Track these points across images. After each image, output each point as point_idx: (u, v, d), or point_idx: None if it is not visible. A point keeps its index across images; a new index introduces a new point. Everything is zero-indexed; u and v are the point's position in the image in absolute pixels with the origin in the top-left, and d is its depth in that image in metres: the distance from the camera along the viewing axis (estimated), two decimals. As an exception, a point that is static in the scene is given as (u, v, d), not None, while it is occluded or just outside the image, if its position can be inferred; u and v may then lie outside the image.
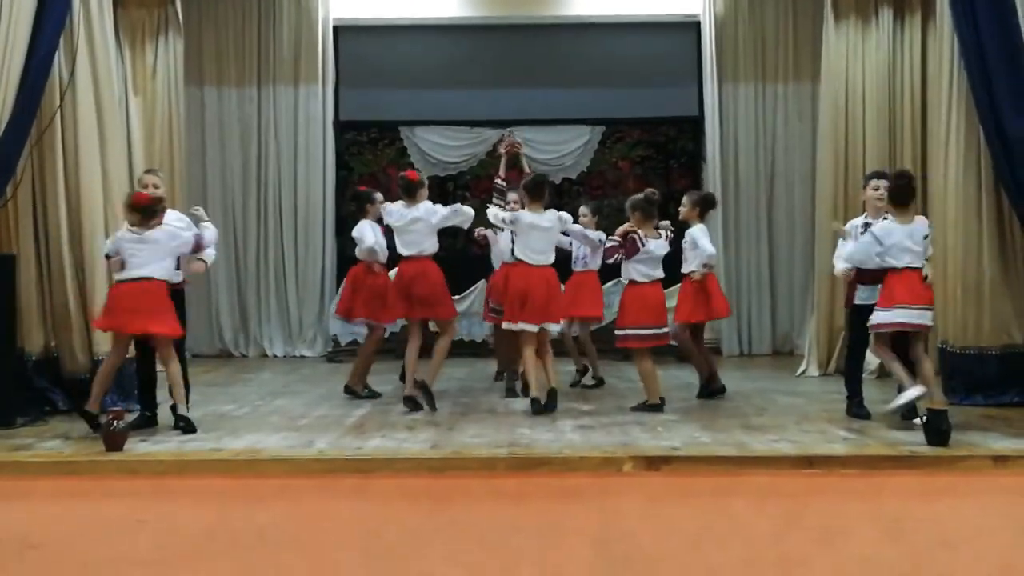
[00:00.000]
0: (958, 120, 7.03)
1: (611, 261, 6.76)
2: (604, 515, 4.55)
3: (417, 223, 6.82)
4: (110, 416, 5.58)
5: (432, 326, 7.40)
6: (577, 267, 7.92)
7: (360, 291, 7.48)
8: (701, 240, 7.22)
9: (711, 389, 7.40)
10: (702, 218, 7.42)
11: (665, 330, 6.80)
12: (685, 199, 7.49)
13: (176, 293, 6.23)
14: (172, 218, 6.32)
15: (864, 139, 8.82)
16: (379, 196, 7.70)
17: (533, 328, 6.64)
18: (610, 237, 6.81)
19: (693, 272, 7.26)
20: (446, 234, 7.38)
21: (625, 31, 10.90)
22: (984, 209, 6.95)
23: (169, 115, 9.28)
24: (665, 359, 8.95)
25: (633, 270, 6.70)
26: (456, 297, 9.74)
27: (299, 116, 10.77)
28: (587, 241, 7.54)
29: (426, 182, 7.09)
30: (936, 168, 7.42)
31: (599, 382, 8.01)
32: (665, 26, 10.90)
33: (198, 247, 6.24)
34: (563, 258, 7.81)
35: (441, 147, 11.08)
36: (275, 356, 10.65)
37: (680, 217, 7.43)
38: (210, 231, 6.37)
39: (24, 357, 6.73)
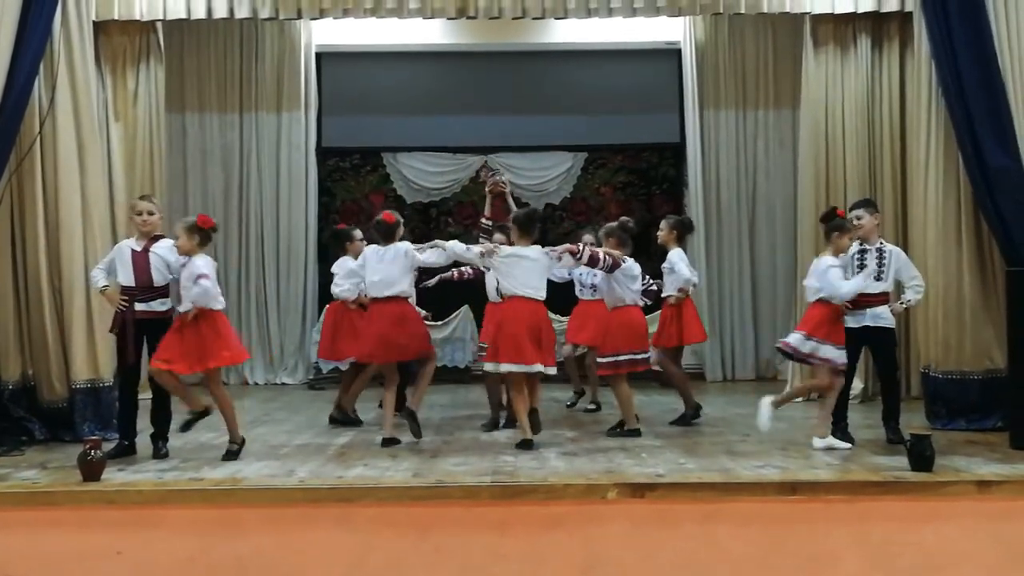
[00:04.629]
0: (937, 146, 7.09)
1: (599, 268, 6.63)
2: (589, 543, 4.52)
3: (394, 264, 6.54)
4: (87, 445, 5.50)
5: None
6: (584, 295, 7.88)
7: (343, 329, 7.46)
8: (678, 265, 7.29)
9: (685, 417, 7.38)
10: (680, 242, 7.48)
11: (647, 355, 6.81)
12: (663, 224, 7.55)
13: (163, 322, 6.15)
14: (165, 247, 6.25)
15: (844, 165, 8.88)
16: (358, 233, 7.67)
17: (526, 369, 6.33)
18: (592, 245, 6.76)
19: (668, 297, 7.32)
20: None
21: (606, 58, 10.96)
22: (964, 234, 6.99)
23: (150, 141, 9.23)
24: (649, 384, 8.93)
25: (620, 292, 6.70)
26: (439, 323, 9.74)
27: (281, 143, 10.74)
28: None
29: (402, 222, 6.79)
30: (916, 194, 7.48)
31: (597, 407, 7.98)
32: (646, 53, 10.96)
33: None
34: (568, 286, 7.87)
35: (424, 173, 11.08)
36: (256, 384, 10.55)
37: (659, 241, 7.48)
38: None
39: (0, 386, 6.66)
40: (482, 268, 6.92)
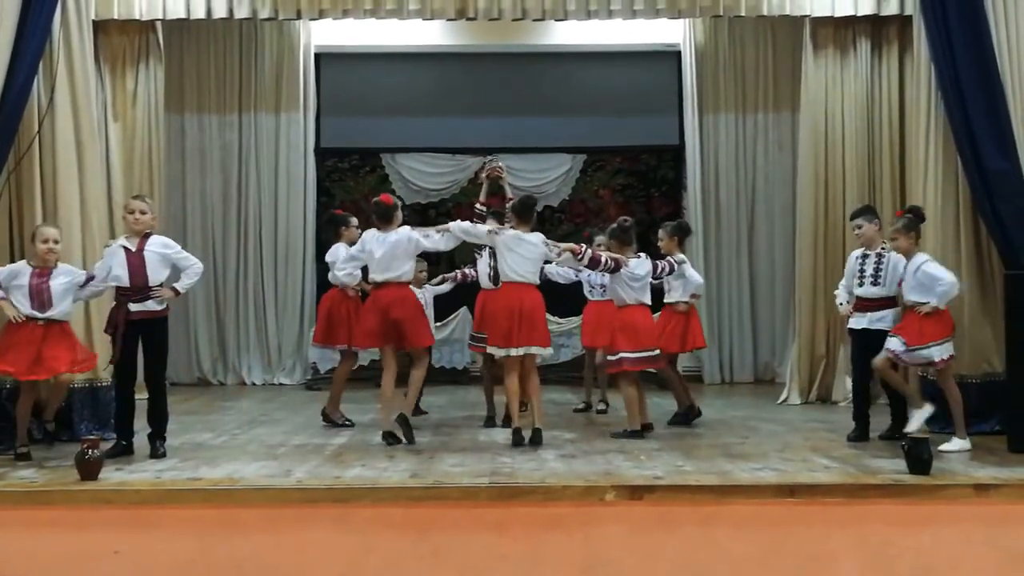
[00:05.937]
0: (936, 150, 7.09)
1: (600, 270, 6.69)
2: (587, 544, 4.52)
3: (396, 248, 6.53)
4: (85, 445, 5.49)
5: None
6: (594, 296, 7.85)
7: (338, 316, 7.42)
8: (688, 270, 7.26)
9: (685, 417, 7.37)
10: (681, 247, 7.47)
11: (658, 352, 6.78)
12: (661, 232, 7.49)
13: (159, 321, 6.17)
14: (158, 244, 6.25)
15: (843, 168, 8.90)
16: (354, 220, 7.65)
17: (516, 353, 6.45)
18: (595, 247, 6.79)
19: (678, 303, 7.30)
20: (429, 262, 7.30)
21: (606, 60, 10.97)
22: (962, 237, 7.00)
23: (149, 142, 9.23)
24: (647, 386, 8.92)
25: (623, 293, 6.69)
26: (437, 324, 9.73)
27: (280, 143, 10.75)
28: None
29: (399, 205, 6.81)
30: (915, 197, 7.46)
31: (606, 407, 8.02)
32: (646, 55, 10.98)
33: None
34: (573, 286, 7.90)
35: (423, 174, 11.09)
36: (253, 384, 10.55)
37: (661, 251, 7.46)
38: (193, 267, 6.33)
39: (-2, 385, 6.65)
40: (487, 245, 6.96)
